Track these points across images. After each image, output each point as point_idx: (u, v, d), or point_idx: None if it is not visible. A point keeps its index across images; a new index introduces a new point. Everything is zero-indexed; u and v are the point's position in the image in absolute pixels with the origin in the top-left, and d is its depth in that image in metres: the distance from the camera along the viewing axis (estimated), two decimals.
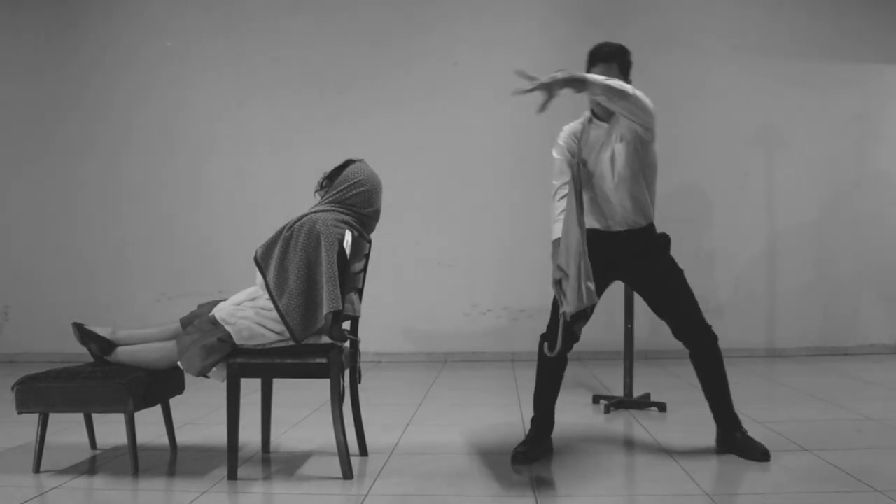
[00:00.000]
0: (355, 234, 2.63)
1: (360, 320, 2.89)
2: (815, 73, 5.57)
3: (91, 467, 2.73)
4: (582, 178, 2.79)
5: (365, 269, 2.89)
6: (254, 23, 5.70)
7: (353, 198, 2.71)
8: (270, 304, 2.57)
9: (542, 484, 2.48)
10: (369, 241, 2.84)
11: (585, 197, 2.83)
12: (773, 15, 5.60)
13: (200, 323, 2.60)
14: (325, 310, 2.48)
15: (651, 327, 5.15)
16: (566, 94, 2.37)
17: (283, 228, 2.60)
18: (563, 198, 2.78)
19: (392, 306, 5.45)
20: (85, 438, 3.00)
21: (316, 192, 2.81)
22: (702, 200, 5.60)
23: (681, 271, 2.85)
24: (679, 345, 2.86)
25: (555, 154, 2.87)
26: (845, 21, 5.59)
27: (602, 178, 2.80)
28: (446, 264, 5.60)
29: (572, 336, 2.72)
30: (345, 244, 2.57)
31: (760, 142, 5.57)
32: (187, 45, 5.74)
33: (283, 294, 2.51)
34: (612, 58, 2.78)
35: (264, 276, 2.57)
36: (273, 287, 2.53)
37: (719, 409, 2.84)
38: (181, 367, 2.61)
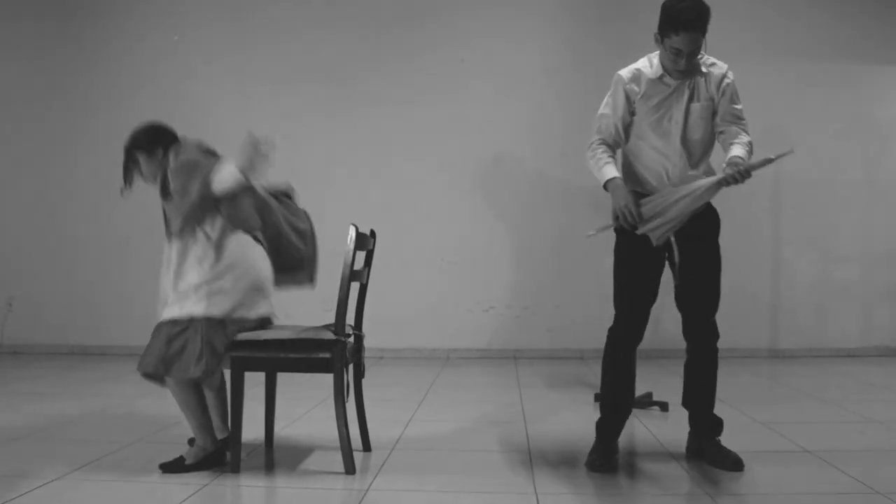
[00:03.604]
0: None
1: (364, 316, 2.89)
2: (820, 73, 5.55)
3: (95, 459, 2.74)
4: (630, 133, 2.61)
5: (369, 266, 2.89)
6: (259, 14, 5.68)
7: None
8: (208, 278, 2.65)
9: (542, 482, 2.49)
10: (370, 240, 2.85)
11: (633, 158, 2.65)
12: (779, 15, 5.58)
13: (163, 333, 2.62)
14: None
15: (653, 326, 5.13)
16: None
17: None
18: (603, 149, 2.60)
19: (395, 303, 5.44)
20: (87, 432, 3.00)
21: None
22: None
23: (719, 266, 2.65)
24: (683, 344, 2.85)
25: (605, 111, 2.63)
26: (849, 21, 5.57)
27: (665, 136, 2.57)
28: (450, 261, 5.60)
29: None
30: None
31: (765, 142, 5.49)
32: (192, 36, 5.72)
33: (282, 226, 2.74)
34: (703, 26, 2.48)
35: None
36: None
37: (701, 416, 2.69)
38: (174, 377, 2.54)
